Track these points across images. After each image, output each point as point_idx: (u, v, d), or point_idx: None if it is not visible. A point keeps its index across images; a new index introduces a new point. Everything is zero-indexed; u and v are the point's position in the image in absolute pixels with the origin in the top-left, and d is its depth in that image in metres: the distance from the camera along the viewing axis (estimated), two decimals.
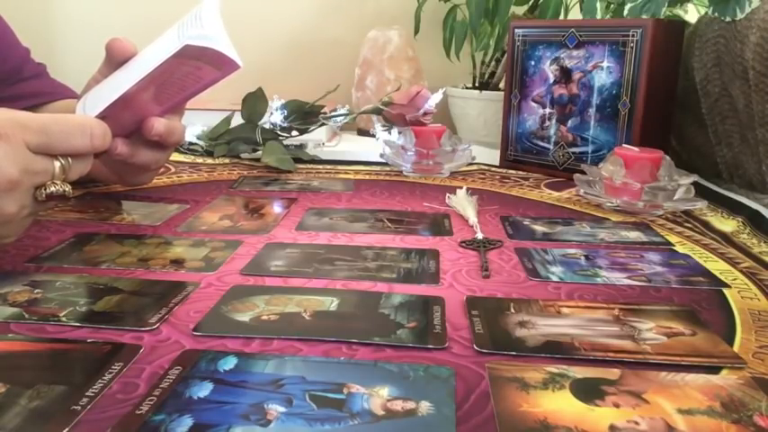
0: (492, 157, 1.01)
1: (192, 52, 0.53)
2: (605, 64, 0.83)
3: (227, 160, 0.97)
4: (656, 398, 0.33)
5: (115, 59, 0.60)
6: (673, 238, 0.62)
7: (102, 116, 0.53)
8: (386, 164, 0.94)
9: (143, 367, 0.35)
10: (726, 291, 0.49)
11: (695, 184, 0.72)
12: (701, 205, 0.71)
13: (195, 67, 0.55)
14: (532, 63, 0.91)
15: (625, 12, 0.90)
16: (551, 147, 0.90)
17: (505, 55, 1.05)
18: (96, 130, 0.49)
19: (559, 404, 0.33)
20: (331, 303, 0.44)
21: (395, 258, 0.54)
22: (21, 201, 0.45)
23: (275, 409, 0.31)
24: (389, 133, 0.99)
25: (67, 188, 0.47)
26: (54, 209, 0.66)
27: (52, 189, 0.46)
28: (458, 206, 0.70)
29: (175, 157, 0.98)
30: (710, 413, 0.32)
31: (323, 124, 0.98)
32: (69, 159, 0.47)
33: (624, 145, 0.78)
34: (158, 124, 0.59)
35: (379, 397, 0.33)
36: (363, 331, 0.40)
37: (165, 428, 0.30)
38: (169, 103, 0.60)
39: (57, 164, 0.46)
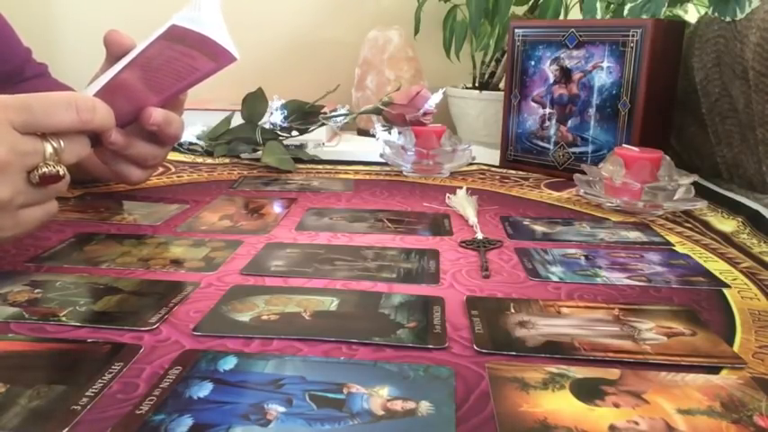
0: (492, 157, 1.01)
1: (180, 34, 0.52)
2: (605, 64, 0.83)
3: (227, 160, 0.97)
4: (655, 398, 0.33)
5: (113, 53, 0.60)
6: (673, 238, 0.62)
7: None
8: (386, 164, 0.94)
9: (143, 367, 0.35)
10: (726, 291, 0.49)
11: (695, 184, 0.72)
12: (700, 205, 0.71)
13: (188, 55, 0.55)
14: (532, 63, 0.91)
15: (625, 12, 0.90)
16: (551, 147, 0.90)
17: (505, 55, 1.05)
18: (81, 103, 0.48)
19: (559, 404, 0.33)
20: (331, 303, 0.44)
21: (395, 258, 0.54)
22: (13, 185, 0.44)
23: (275, 409, 0.31)
24: (389, 133, 0.99)
25: (62, 169, 0.47)
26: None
27: (45, 170, 0.46)
28: (458, 206, 0.70)
29: (176, 156, 0.98)
30: (710, 413, 0.32)
31: (323, 124, 0.98)
32: (61, 142, 0.47)
33: (624, 145, 0.78)
34: (156, 113, 0.59)
35: (378, 397, 0.33)
36: (363, 331, 0.40)
37: (165, 428, 0.30)
38: (166, 93, 0.60)
39: (48, 145, 0.46)
